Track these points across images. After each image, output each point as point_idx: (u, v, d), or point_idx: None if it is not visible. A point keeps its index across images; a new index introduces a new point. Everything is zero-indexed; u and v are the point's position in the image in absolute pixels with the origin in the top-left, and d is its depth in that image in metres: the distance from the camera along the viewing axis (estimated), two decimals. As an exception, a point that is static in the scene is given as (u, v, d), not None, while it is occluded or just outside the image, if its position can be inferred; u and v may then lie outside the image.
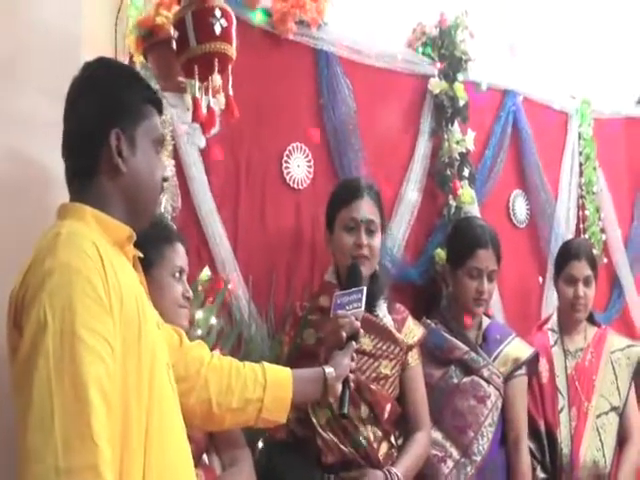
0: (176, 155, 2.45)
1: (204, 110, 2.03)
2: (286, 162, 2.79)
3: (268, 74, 2.76)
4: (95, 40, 2.13)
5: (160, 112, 1.68)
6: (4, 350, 1.55)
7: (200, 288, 2.37)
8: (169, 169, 2.35)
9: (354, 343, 2.06)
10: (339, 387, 1.97)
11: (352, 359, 2.03)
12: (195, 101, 2.02)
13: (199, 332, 2.29)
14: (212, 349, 2.28)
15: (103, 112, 1.57)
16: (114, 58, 1.84)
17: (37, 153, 1.84)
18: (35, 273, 1.38)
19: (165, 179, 1.70)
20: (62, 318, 1.32)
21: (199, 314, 2.33)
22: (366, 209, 2.49)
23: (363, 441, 2.35)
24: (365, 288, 2.20)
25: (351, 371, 2.02)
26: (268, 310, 2.62)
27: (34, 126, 1.84)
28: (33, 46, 1.89)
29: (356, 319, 2.10)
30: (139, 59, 2.29)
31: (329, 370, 1.96)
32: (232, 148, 2.65)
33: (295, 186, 2.80)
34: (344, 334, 2.05)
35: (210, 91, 2.04)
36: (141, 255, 1.64)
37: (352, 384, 2.01)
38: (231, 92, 2.06)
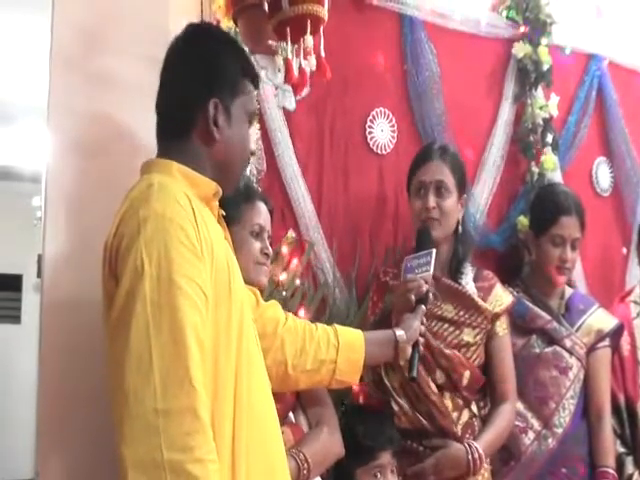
0: (261, 119, 2.46)
1: (295, 72, 2.03)
2: (370, 127, 2.78)
3: (353, 39, 2.75)
4: (182, 5, 2.15)
5: (257, 87, 1.71)
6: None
7: (285, 250, 2.38)
8: (255, 136, 2.36)
9: (423, 307, 2.07)
10: (409, 350, 2.00)
11: (422, 323, 2.05)
12: (287, 63, 2.04)
13: (284, 293, 2.31)
14: (296, 310, 2.31)
15: (205, 80, 1.59)
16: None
17: (122, 112, 1.89)
18: (130, 222, 1.41)
19: (252, 153, 1.72)
20: (159, 265, 1.35)
21: (283, 275, 2.35)
22: (434, 170, 2.45)
23: (435, 413, 2.32)
24: (434, 250, 2.19)
25: (421, 335, 2.04)
26: (351, 274, 2.62)
27: (123, 88, 1.89)
28: (121, 12, 1.94)
29: (425, 282, 2.11)
30: (226, 23, 2.30)
31: (400, 333, 1.99)
32: (317, 113, 2.65)
33: (378, 151, 2.80)
34: (413, 297, 2.07)
35: (302, 52, 2.04)
36: (224, 213, 1.67)
37: (421, 347, 2.03)
38: (323, 54, 2.06)
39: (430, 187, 2.44)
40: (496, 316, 2.48)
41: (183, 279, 1.36)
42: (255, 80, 1.70)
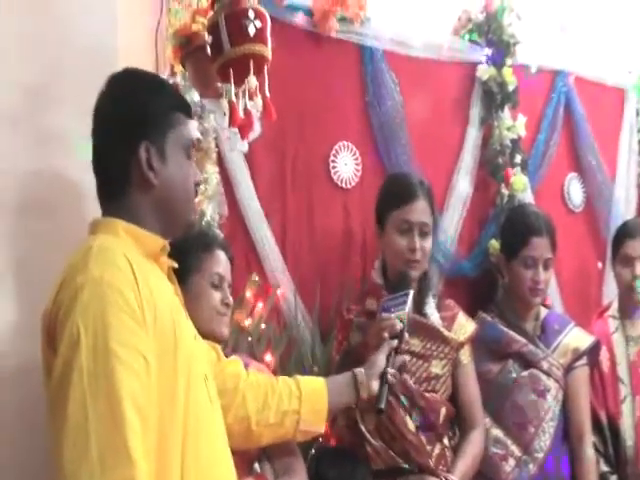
0: (221, 162, 2.45)
1: (241, 114, 2.00)
2: (333, 162, 2.76)
3: (312, 74, 2.74)
4: (134, 54, 2.12)
5: (189, 116, 1.66)
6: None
7: (249, 294, 2.37)
8: (214, 176, 2.35)
9: (394, 342, 2.07)
10: (374, 384, 1.98)
11: (396, 353, 2.05)
12: (232, 105, 2.00)
13: (249, 339, 2.29)
14: (263, 355, 2.30)
15: (130, 126, 1.55)
16: (144, 69, 1.79)
17: (71, 170, 1.85)
18: (67, 289, 1.39)
19: (197, 184, 1.67)
20: (95, 333, 1.33)
21: (249, 321, 2.33)
22: (420, 211, 2.44)
23: (412, 450, 2.31)
24: (412, 291, 2.20)
25: (398, 368, 2.04)
26: (316, 313, 2.60)
27: (70, 143, 1.84)
28: (67, 66, 1.90)
29: (400, 321, 2.11)
30: (179, 69, 2.29)
31: (358, 370, 1.99)
32: (277, 151, 2.64)
33: (343, 185, 2.78)
34: (386, 335, 2.07)
35: (247, 94, 2.01)
36: (176, 266, 1.63)
37: (390, 377, 2.01)
38: (268, 93, 2.03)
39: (415, 228, 2.43)
40: (461, 345, 2.50)
41: (120, 346, 1.33)
42: (185, 110, 1.64)
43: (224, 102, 2.09)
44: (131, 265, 1.42)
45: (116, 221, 1.53)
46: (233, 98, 2.00)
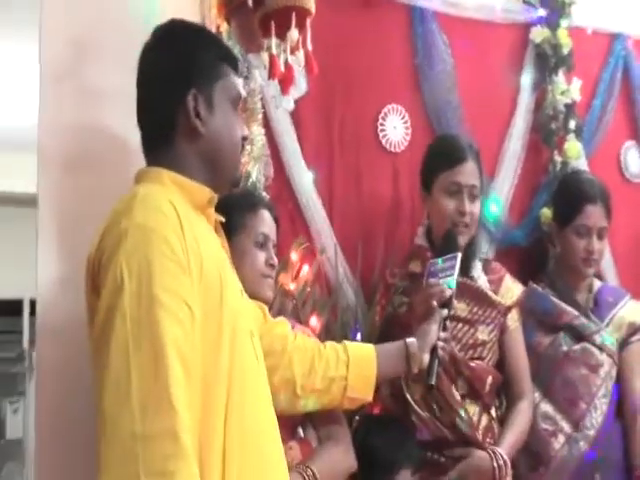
0: (266, 123, 2.40)
1: (282, 67, 1.94)
2: (381, 125, 2.70)
3: (360, 35, 2.67)
4: (179, 11, 2.10)
5: (236, 70, 1.63)
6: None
7: (295, 257, 2.32)
8: (260, 138, 2.30)
9: (444, 311, 1.99)
10: (425, 357, 1.91)
11: (444, 328, 1.97)
12: (272, 58, 1.94)
13: (294, 302, 2.25)
14: (308, 318, 2.25)
15: (178, 74, 1.52)
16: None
17: (116, 124, 1.86)
18: (111, 235, 1.36)
19: (245, 138, 1.63)
20: (139, 279, 1.29)
21: (293, 284, 2.29)
22: (470, 173, 2.36)
23: (459, 422, 2.24)
24: (460, 254, 2.10)
25: (444, 340, 1.96)
26: (358, 277, 2.54)
27: (115, 98, 1.85)
28: (113, 21, 1.91)
29: (449, 287, 2.02)
30: (225, 27, 2.24)
31: (410, 341, 1.91)
32: (324, 113, 2.58)
33: (392, 149, 2.71)
34: (434, 303, 1.99)
35: (288, 47, 1.95)
36: (223, 219, 1.60)
37: (440, 352, 1.94)
38: (310, 47, 1.96)
39: (464, 190, 2.35)
40: (508, 309, 2.42)
41: (165, 293, 1.30)
42: (233, 63, 1.62)
43: (264, 55, 2.03)
44: (177, 211, 1.38)
45: (162, 170, 1.50)
46: (274, 51, 1.94)
